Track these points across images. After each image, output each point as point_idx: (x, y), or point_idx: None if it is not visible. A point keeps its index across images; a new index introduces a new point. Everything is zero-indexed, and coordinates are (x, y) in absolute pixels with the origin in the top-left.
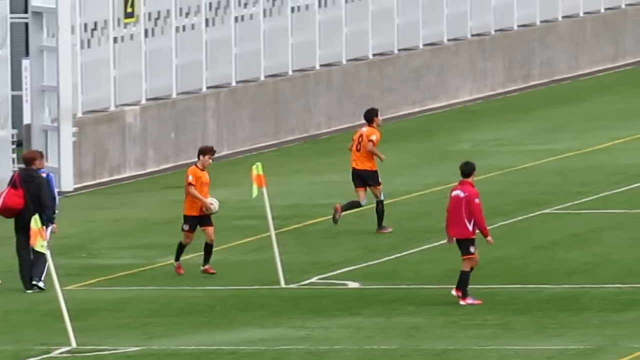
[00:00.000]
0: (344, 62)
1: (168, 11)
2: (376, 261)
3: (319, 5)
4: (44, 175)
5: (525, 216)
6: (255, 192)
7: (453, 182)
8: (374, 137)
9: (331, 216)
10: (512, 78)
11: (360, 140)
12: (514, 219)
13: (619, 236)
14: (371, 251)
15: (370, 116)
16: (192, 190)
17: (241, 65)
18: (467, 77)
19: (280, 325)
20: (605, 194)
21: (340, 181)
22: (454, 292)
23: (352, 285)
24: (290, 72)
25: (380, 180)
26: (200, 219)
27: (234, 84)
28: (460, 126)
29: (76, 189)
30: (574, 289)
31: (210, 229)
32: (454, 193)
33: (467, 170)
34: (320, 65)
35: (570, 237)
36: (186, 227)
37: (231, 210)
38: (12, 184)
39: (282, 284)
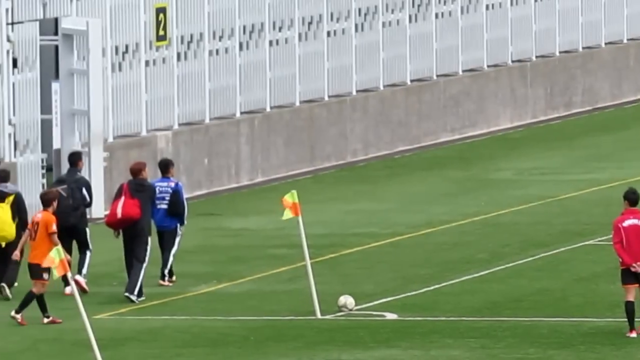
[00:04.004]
0: (381, 87)
1: (201, 34)
2: (414, 292)
3: (356, 30)
4: (173, 184)
5: (567, 247)
6: (286, 216)
7: (494, 211)
8: None
9: (368, 245)
10: (554, 105)
11: None
12: (556, 250)
13: None
14: (409, 282)
15: None
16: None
17: (276, 90)
18: (507, 104)
19: (315, 357)
20: None
21: (376, 210)
22: (632, 334)
23: (390, 316)
24: (326, 98)
25: None
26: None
27: (268, 109)
28: (501, 154)
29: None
30: (617, 322)
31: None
32: (631, 222)
33: (637, 198)
34: (357, 91)
35: (613, 269)
36: (46, 276)
37: (265, 239)
38: (125, 194)
39: (318, 315)
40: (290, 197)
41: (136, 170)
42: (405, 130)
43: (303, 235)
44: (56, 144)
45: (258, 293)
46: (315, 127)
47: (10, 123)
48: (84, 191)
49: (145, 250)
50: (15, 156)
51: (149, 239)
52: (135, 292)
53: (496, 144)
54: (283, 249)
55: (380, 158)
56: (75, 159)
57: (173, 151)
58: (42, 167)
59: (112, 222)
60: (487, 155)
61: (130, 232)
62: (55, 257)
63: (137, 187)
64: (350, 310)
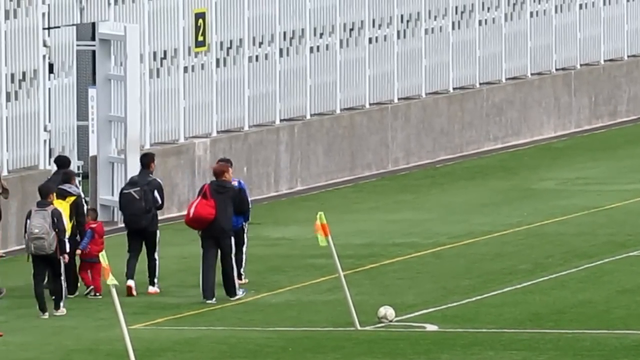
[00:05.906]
0: (423, 95)
1: (241, 40)
2: (455, 303)
3: (398, 37)
4: (236, 183)
5: (611, 258)
6: (322, 242)
7: (536, 222)
8: None
9: (409, 255)
10: (598, 114)
11: None
12: (600, 262)
13: None
14: (450, 293)
15: None
16: None
17: (316, 98)
18: (551, 112)
19: None
20: None
21: (417, 219)
22: None
23: (431, 328)
24: (367, 105)
25: None
26: None
27: (308, 116)
28: (544, 164)
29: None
30: None
31: None
32: None
33: None
34: (399, 99)
35: None
36: None
37: (304, 248)
38: (203, 194)
39: (357, 326)
40: (319, 219)
41: (219, 172)
42: (448, 139)
43: (335, 256)
44: (92, 151)
45: (297, 303)
46: (356, 135)
47: (45, 129)
48: (156, 193)
49: (230, 245)
50: (50, 163)
51: (232, 236)
52: (238, 294)
53: (539, 154)
54: (322, 259)
55: (421, 167)
56: (147, 160)
57: (211, 159)
58: (78, 175)
59: (187, 222)
60: (530, 165)
61: (210, 232)
62: (104, 263)
63: (218, 188)
64: (390, 321)
